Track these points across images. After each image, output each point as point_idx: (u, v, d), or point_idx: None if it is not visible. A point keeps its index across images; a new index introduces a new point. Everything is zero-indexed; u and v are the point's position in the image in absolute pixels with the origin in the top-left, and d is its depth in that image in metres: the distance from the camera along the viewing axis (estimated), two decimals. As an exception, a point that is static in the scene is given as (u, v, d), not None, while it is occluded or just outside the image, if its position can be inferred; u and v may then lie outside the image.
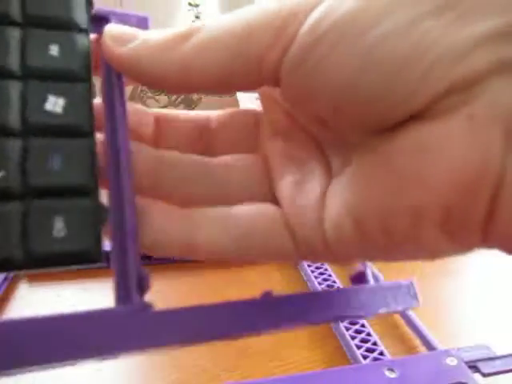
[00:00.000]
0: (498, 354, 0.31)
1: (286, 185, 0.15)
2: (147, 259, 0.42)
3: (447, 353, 0.30)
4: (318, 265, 0.43)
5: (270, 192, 0.15)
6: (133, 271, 0.13)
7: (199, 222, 0.14)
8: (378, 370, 0.29)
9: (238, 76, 0.13)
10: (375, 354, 0.32)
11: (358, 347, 0.33)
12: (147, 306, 0.13)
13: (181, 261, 0.42)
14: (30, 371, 0.12)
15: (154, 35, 0.14)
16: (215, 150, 0.17)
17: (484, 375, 0.30)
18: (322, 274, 0.42)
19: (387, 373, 0.28)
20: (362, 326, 0.35)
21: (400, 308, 0.15)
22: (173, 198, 0.15)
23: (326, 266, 0.43)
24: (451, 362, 0.29)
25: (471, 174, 0.10)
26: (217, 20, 0.13)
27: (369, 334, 0.34)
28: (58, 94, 0.14)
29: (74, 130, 0.14)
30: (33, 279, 0.39)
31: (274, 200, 0.15)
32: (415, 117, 0.11)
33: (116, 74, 0.15)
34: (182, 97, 0.74)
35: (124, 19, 0.16)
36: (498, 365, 0.31)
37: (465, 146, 0.10)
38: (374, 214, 0.12)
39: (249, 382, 0.30)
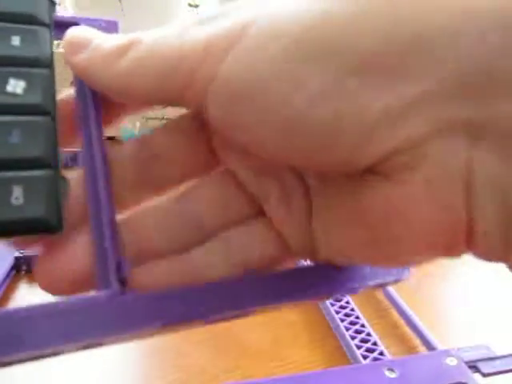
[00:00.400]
0: (498, 353, 0.31)
1: (271, 203, 0.14)
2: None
3: (447, 353, 0.30)
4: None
5: (249, 207, 0.15)
6: (111, 257, 0.14)
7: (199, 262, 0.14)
8: (377, 370, 0.29)
9: (170, 97, 0.13)
10: (375, 354, 0.32)
11: (358, 347, 0.33)
12: (126, 291, 0.13)
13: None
14: (10, 362, 0.13)
15: (106, 43, 0.14)
16: (167, 174, 0.15)
17: (484, 375, 0.30)
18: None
19: (387, 373, 0.28)
20: (362, 326, 0.35)
21: (392, 279, 0.15)
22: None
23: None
24: (451, 362, 0.29)
25: (442, 234, 0.11)
26: (156, 33, 0.13)
27: (369, 334, 0.34)
28: (18, 77, 0.15)
29: (34, 109, 0.15)
30: (33, 279, 0.39)
31: (255, 214, 0.14)
32: (375, 172, 0.11)
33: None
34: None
35: (93, 24, 0.17)
36: (497, 365, 0.31)
37: (430, 210, 0.10)
38: (360, 256, 0.12)
39: (249, 381, 0.30)
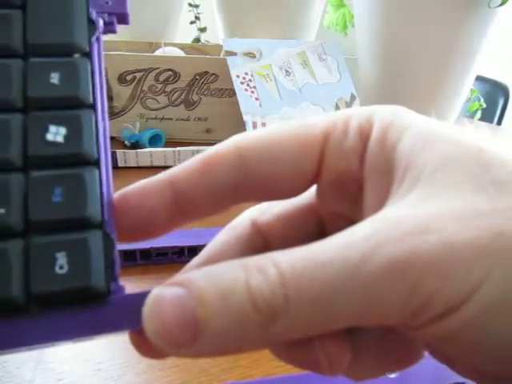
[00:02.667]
0: (498, 353, 0.31)
1: None
2: (147, 258, 0.42)
3: (447, 353, 0.30)
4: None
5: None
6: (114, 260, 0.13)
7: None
8: (378, 370, 0.29)
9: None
10: (375, 354, 0.32)
11: (358, 347, 0.33)
12: (113, 291, 0.13)
13: (182, 261, 0.42)
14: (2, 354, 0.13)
15: (215, 317, 0.12)
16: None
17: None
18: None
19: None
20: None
21: None
22: None
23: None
24: (451, 361, 0.29)
25: None
26: (312, 281, 0.12)
27: (369, 334, 0.34)
28: (59, 122, 0.14)
29: (76, 159, 0.14)
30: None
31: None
32: None
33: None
34: (182, 97, 0.74)
35: (98, 3, 0.15)
36: (498, 365, 0.30)
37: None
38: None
39: (249, 381, 0.30)
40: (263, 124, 0.67)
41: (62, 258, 0.12)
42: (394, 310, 0.13)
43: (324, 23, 0.91)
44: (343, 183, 0.17)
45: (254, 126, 0.67)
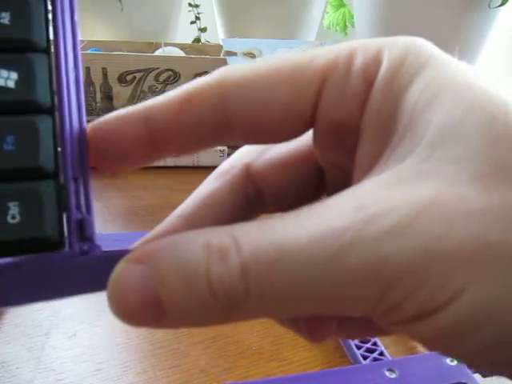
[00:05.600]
0: (498, 353, 0.31)
1: None
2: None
3: (447, 353, 0.30)
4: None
5: None
6: (74, 214, 0.13)
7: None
8: (378, 370, 0.29)
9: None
10: (375, 354, 0.32)
11: (358, 347, 0.33)
12: (86, 251, 0.13)
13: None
14: None
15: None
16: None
17: (484, 375, 0.30)
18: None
19: (387, 373, 0.28)
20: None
21: None
22: None
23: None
24: (451, 361, 0.29)
25: None
26: (277, 276, 0.11)
27: (369, 334, 0.34)
28: (9, 67, 0.13)
29: (29, 106, 0.13)
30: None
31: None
32: None
33: None
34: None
35: None
36: (497, 365, 0.31)
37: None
38: None
39: (249, 382, 0.30)
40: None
41: (13, 208, 0.12)
42: (363, 308, 0.12)
43: (324, 23, 0.91)
44: (340, 132, 0.15)
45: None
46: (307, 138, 0.16)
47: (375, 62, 0.14)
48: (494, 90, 0.13)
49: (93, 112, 0.74)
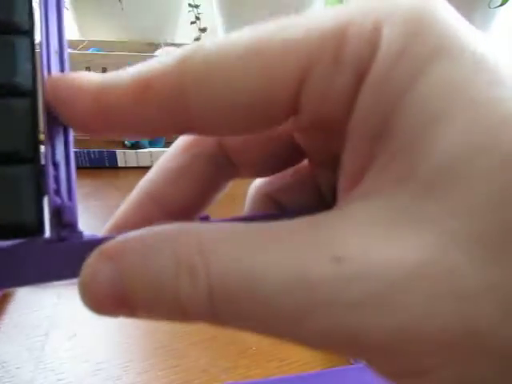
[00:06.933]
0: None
1: None
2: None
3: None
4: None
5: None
6: (52, 199, 0.13)
7: None
8: (378, 370, 0.29)
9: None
10: (375, 354, 0.32)
11: (358, 347, 0.33)
12: (64, 238, 0.13)
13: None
14: None
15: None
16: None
17: None
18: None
19: (387, 373, 0.28)
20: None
21: None
22: None
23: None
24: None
25: None
26: (244, 303, 0.11)
27: (369, 334, 0.34)
28: None
29: (7, 89, 0.12)
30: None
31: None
32: None
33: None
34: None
35: None
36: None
37: None
38: None
39: (249, 382, 0.30)
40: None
41: None
42: (334, 352, 0.12)
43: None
44: (325, 129, 0.13)
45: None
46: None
47: (369, 49, 0.11)
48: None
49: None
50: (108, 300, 0.12)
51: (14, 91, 0.12)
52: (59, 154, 0.13)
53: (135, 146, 0.70)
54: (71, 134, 0.14)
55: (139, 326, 0.35)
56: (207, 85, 0.12)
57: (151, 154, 0.65)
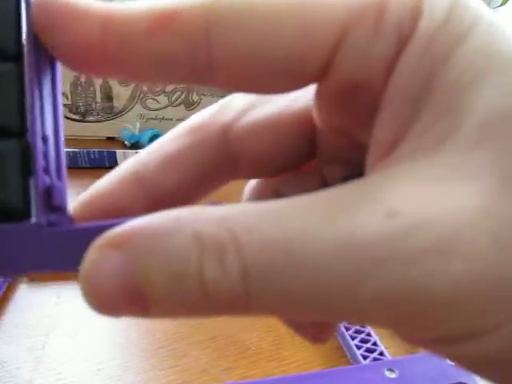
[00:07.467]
0: (498, 353, 0.31)
1: None
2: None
3: (447, 353, 0.30)
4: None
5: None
6: (40, 180, 0.11)
7: None
8: (378, 370, 0.29)
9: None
10: (375, 354, 0.32)
11: (358, 347, 0.33)
12: (53, 223, 0.11)
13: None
14: None
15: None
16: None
17: None
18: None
19: (387, 373, 0.28)
20: (362, 326, 0.35)
21: None
22: None
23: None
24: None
25: None
26: (282, 284, 0.10)
27: (369, 334, 0.34)
28: None
29: None
30: (32, 280, 0.39)
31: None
32: None
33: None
34: (182, 97, 0.74)
35: None
36: (497, 365, 0.30)
37: None
38: None
39: (249, 382, 0.30)
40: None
41: None
42: (386, 326, 0.11)
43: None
44: (355, 95, 0.12)
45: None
46: (303, 97, 0.14)
47: (411, 20, 0.11)
48: None
49: (93, 112, 0.74)
50: (116, 296, 0.10)
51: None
52: (48, 125, 0.12)
53: (135, 145, 0.71)
54: (59, 87, 0.12)
55: (139, 326, 0.35)
56: (237, 30, 0.11)
57: (151, 154, 0.65)
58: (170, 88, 0.74)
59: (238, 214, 0.10)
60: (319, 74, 0.12)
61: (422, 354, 0.33)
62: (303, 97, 0.14)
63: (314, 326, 0.16)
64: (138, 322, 0.35)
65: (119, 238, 0.10)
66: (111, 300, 0.10)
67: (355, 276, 0.09)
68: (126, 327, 0.35)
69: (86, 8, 0.11)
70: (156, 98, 0.74)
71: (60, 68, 0.12)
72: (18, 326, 0.35)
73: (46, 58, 0.12)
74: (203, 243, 0.10)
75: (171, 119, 0.74)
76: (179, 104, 0.75)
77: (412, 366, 0.29)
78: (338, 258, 0.09)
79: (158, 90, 0.74)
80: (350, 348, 0.33)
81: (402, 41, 0.11)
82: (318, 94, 0.13)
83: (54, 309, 0.36)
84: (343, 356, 0.33)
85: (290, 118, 0.15)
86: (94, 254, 0.10)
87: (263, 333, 0.35)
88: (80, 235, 0.11)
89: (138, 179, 0.15)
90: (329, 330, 0.16)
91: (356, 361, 0.32)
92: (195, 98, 0.75)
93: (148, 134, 0.70)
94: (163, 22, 0.11)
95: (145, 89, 0.73)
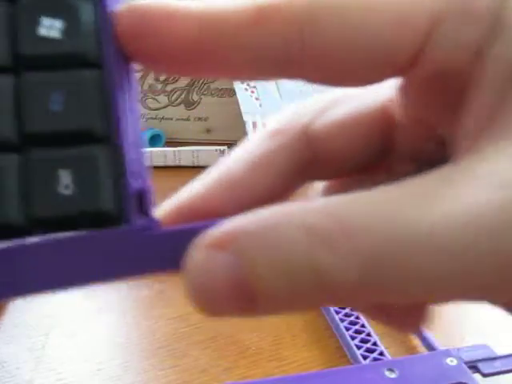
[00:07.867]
0: (498, 353, 0.31)
1: None
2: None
3: (447, 353, 0.30)
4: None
5: None
6: (131, 184, 0.11)
7: None
8: (378, 370, 0.29)
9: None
10: (375, 354, 0.32)
11: (358, 347, 0.33)
12: (148, 227, 0.11)
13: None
14: (26, 295, 0.11)
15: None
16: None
17: (484, 375, 0.30)
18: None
19: (387, 373, 0.28)
20: (362, 326, 0.35)
21: None
22: None
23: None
24: (451, 362, 0.29)
25: None
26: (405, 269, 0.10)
27: (369, 334, 0.34)
28: (53, 14, 0.11)
29: (78, 59, 0.11)
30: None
31: None
32: None
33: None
34: (182, 97, 0.74)
35: None
36: (497, 365, 0.31)
37: None
38: None
39: (249, 382, 0.30)
40: (263, 124, 0.67)
41: (66, 177, 0.11)
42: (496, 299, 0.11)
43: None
44: (443, 84, 0.12)
45: (254, 126, 0.66)
46: (383, 94, 0.15)
47: (501, 3, 0.11)
48: None
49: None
50: (225, 294, 0.10)
51: (85, 62, 0.11)
52: (131, 126, 0.12)
53: (135, 145, 0.71)
54: (136, 90, 0.12)
55: (139, 326, 0.35)
56: (333, 21, 0.11)
57: (151, 153, 0.65)
58: (170, 88, 0.74)
59: (343, 202, 0.10)
60: (409, 63, 0.12)
61: (421, 354, 0.33)
62: (378, 95, 0.15)
63: (406, 314, 0.15)
64: (138, 322, 0.35)
65: (223, 238, 0.11)
66: (220, 298, 0.10)
67: (476, 249, 0.10)
68: (126, 327, 0.35)
69: (183, 9, 0.11)
70: (156, 97, 0.74)
71: (133, 71, 0.12)
72: (18, 326, 0.35)
73: (124, 62, 0.12)
74: (315, 234, 0.10)
75: (171, 119, 0.74)
76: (179, 104, 0.75)
77: (412, 366, 0.29)
78: (459, 234, 0.10)
79: (157, 89, 0.74)
80: (350, 348, 0.33)
81: (495, 26, 0.11)
82: (404, 86, 0.13)
83: (54, 309, 0.36)
84: (343, 356, 0.33)
85: (368, 116, 0.15)
86: (199, 254, 0.11)
87: (263, 333, 0.35)
88: (175, 237, 0.11)
89: (226, 185, 0.15)
90: (420, 316, 0.16)
91: (356, 361, 0.32)
92: (195, 97, 0.75)
93: (148, 134, 0.70)
94: (263, 16, 0.11)
95: (145, 88, 0.73)
